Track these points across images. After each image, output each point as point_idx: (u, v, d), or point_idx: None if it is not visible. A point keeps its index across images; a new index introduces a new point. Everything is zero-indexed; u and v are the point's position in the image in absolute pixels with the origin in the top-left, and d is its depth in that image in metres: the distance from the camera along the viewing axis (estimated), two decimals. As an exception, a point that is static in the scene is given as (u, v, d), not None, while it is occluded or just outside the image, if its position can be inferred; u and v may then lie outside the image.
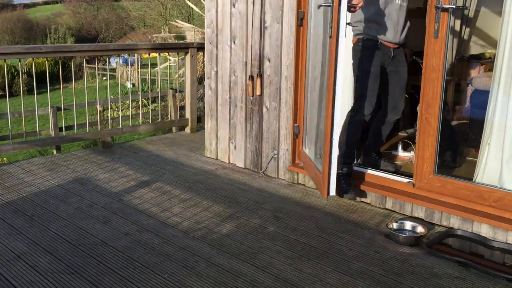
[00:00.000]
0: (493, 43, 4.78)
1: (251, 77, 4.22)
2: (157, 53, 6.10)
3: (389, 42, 3.53)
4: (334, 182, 3.26)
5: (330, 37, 3.11)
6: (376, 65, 3.53)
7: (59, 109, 6.25)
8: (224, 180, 4.15)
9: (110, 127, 5.60)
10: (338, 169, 3.33)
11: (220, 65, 4.54)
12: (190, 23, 19.94)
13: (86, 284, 2.52)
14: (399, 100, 3.74)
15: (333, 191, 3.27)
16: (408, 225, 3.19)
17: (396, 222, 3.23)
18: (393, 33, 3.51)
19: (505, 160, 3.10)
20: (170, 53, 9.48)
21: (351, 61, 3.63)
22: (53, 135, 5.93)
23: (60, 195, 3.72)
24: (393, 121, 3.81)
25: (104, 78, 20.20)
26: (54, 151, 5.56)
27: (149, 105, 12.11)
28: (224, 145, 4.65)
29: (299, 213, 3.47)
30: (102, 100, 7.20)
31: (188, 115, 5.80)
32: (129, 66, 20.81)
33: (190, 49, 5.69)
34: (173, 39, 18.07)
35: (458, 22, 5.17)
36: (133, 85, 18.72)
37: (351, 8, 3.11)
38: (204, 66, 5.67)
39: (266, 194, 3.81)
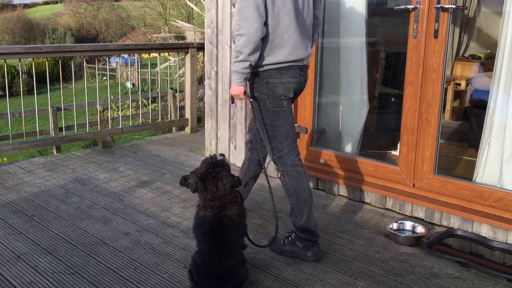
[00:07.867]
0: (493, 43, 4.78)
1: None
2: (157, 53, 6.11)
3: None
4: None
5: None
6: None
7: (59, 109, 6.25)
8: (224, 180, 4.13)
9: (110, 127, 5.60)
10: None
11: (220, 65, 4.54)
12: (190, 23, 19.94)
13: (86, 284, 2.52)
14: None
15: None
16: (408, 225, 3.19)
17: (396, 222, 3.23)
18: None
19: (505, 160, 3.09)
20: (170, 53, 9.47)
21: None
22: (53, 135, 5.93)
23: (60, 195, 3.72)
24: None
25: (104, 78, 20.19)
26: (54, 151, 5.57)
27: (149, 105, 12.13)
28: (224, 145, 4.64)
29: (299, 213, 3.46)
30: (102, 100, 7.21)
31: (188, 115, 5.80)
32: (129, 66, 20.82)
33: (190, 49, 5.69)
34: (173, 39, 18.06)
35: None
36: (133, 85, 18.73)
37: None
38: (204, 66, 5.67)
39: (266, 194, 3.80)
